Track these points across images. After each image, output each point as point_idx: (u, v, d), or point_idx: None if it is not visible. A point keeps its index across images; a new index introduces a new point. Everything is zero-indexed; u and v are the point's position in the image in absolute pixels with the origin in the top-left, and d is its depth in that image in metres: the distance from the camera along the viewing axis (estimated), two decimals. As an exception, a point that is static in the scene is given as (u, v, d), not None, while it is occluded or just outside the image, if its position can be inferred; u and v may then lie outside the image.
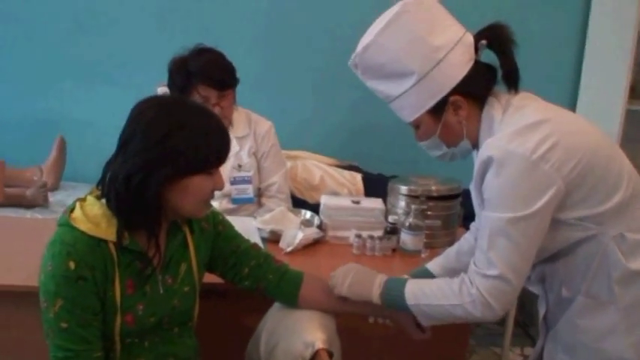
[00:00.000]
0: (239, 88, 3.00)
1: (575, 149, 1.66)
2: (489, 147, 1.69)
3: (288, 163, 3.64)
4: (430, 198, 2.60)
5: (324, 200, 2.69)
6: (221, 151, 1.75)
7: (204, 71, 2.82)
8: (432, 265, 2.13)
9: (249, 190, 2.97)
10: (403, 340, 2.09)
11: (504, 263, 1.66)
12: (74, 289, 1.66)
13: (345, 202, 2.70)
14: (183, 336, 1.92)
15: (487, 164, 1.68)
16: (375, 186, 3.44)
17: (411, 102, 1.81)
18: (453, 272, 1.97)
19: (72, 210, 1.74)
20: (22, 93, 4.02)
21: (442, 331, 2.26)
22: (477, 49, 1.80)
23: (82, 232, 1.68)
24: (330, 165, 3.77)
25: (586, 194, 1.68)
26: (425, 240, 2.53)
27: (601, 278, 1.73)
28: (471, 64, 1.78)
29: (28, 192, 3.34)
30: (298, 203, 3.25)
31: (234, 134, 2.99)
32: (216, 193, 2.76)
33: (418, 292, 1.82)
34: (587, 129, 1.78)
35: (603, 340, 1.75)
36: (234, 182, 2.96)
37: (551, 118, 1.72)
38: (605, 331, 1.75)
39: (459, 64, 1.77)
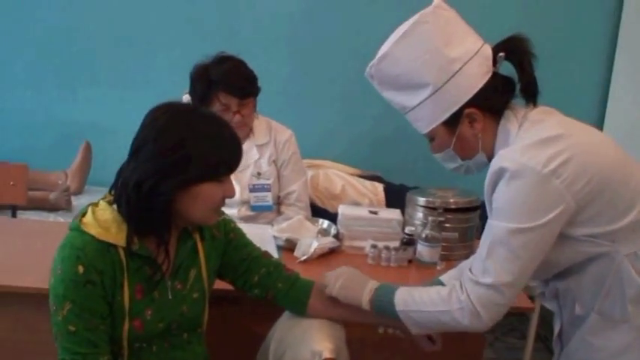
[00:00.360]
0: (265, 96, 3.02)
1: (588, 166, 1.64)
2: (502, 158, 1.68)
3: (310, 172, 3.66)
4: (448, 210, 2.58)
5: (342, 210, 2.69)
6: (232, 160, 1.76)
7: (226, 79, 2.84)
8: (446, 277, 2.10)
9: (268, 198, 2.97)
10: (414, 353, 2.08)
11: (500, 273, 1.65)
12: (82, 293, 1.67)
13: (363, 212, 2.70)
14: (192, 342, 1.92)
15: (499, 175, 1.67)
16: (397, 197, 3.41)
17: (426, 114, 1.80)
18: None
19: (84, 214, 1.76)
20: (50, 99, 4.10)
21: (455, 345, 2.26)
22: (495, 62, 1.78)
23: (92, 237, 1.70)
24: (353, 175, 3.77)
25: (598, 212, 1.66)
26: (442, 252, 2.51)
27: (614, 296, 1.70)
28: (488, 76, 1.77)
29: (52, 195, 3.39)
30: (319, 212, 3.25)
31: (254, 142, 3.00)
32: (236, 200, 2.85)
33: (408, 299, 1.80)
34: (604, 146, 1.75)
35: (617, 359, 1.73)
36: (253, 190, 2.96)
37: (568, 134, 1.70)
38: (619, 350, 1.72)
39: (475, 76, 1.76)
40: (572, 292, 1.80)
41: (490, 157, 1.81)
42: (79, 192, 3.69)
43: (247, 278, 1.97)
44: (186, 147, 1.67)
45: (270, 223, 2.83)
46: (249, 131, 3.00)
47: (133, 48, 4.04)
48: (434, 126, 1.81)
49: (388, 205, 3.40)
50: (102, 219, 1.73)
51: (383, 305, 1.84)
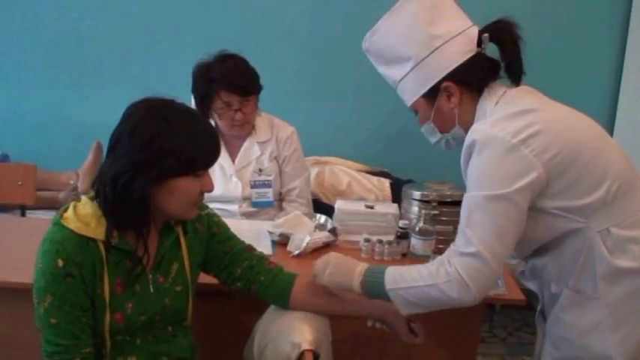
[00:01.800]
0: (275, 93, 3.05)
1: (558, 139, 1.69)
2: (473, 131, 1.75)
3: (316, 169, 3.68)
4: (443, 203, 2.58)
5: (338, 205, 2.70)
6: (208, 155, 1.78)
7: (227, 77, 2.86)
8: None
9: (269, 194, 3.00)
10: (407, 349, 2.09)
11: (481, 241, 1.66)
12: (63, 286, 1.71)
13: (359, 206, 2.70)
14: (177, 335, 1.95)
15: (471, 147, 1.73)
16: (403, 192, 3.43)
17: (409, 86, 1.90)
18: None
19: (65, 209, 1.80)
20: (61, 99, 4.18)
21: (448, 340, 2.27)
22: (479, 42, 1.85)
23: (71, 231, 1.73)
24: (360, 171, 3.78)
25: (567, 185, 1.69)
26: (437, 245, 2.51)
27: (587, 273, 1.73)
28: (470, 55, 1.85)
29: (61, 195, 3.46)
30: (325, 208, 3.26)
31: (256, 139, 3.03)
32: (237, 196, 2.88)
33: (397, 277, 1.81)
34: (576, 122, 1.81)
35: (588, 336, 1.76)
36: (254, 186, 2.99)
37: (540, 109, 1.76)
38: (589, 328, 1.75)
39: (456, 53, 1.84)
40: (548, 269, 1.83)
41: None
42: (89, 192, 3.74)
43: (230, 271, 1.99)
44: (160, 141, 1.70)
45: (272, 219, 2.85)
46: (252, 128, 3.03)
47: (143, 49, 4.10)
48: (415, 98, 1.90)
49: (395, 201, 3.39)
50: (82, 213, 1.77)
51: (373, 286, 1.85)
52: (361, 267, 1.90)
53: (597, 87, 4.13)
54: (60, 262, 1.70)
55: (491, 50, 1.89)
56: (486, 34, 1.84)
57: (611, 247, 1.70)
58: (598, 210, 1.70)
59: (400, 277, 1.80)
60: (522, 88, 1.87)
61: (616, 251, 1.70)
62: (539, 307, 1.96)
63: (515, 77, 1.86)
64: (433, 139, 1.97)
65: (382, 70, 1.97)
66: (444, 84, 1.85)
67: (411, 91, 1.90)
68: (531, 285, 1.95)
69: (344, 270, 1.91)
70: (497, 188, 1.67)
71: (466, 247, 1.69)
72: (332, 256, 1.96)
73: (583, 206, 1.70)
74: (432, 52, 1.84)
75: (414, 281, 1.77)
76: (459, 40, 1.85)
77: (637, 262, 1.70)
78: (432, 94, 1.87)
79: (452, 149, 1.97)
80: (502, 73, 1.89)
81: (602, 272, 1.71)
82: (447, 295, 1.71)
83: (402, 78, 1.90)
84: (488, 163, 1.69)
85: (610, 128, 4.04)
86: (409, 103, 1.93)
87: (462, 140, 1.88)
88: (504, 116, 1.74)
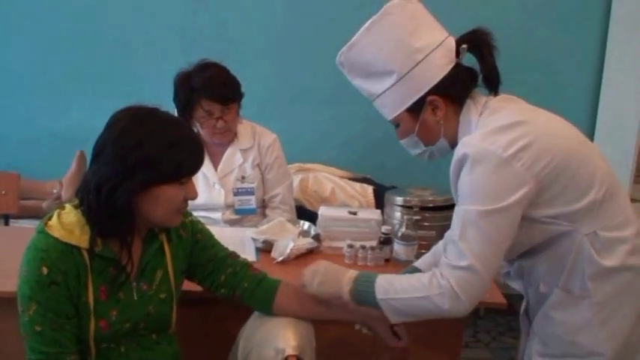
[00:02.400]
0: (255, 100, 3.07)
1: (547, 150, 1.72)
2: (464, 145, 1.75)
3: (300, 175, 3.69)
4: (425, 209, 2.60)
5: (322, 211, 2.72)
6: (192, 163, 1.79)
7: (207, 86, 2.87)
8: (420, 262, 2.18)
9: (252, 202, 3.01)
10: (391, 354, 2.11)
11: (474, 254, 1.69)
12: (47, 294, 1.72)
13: (342, 212, 2.72)
14: (161, 343, 1.95)
15: (462, 161, 1.74)
16: (386, 198, 3.45)
17: (392, 100, 1.88)
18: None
19: (50, 218, 1.80)
20: (44, 109, 4.18)
21: (431, 345, 2.29)
22: (457, 53, 1.86)
23: (56, 239, 1.74)
24: (343, 177, 3.80)
25: (557, 193, 1.73)
26: (420, 250, 2.52)
27: (576, 274, 1.78)
28: (450, 66, 1.85)
29: (44, 204, 3.46)
30: (309, 215, 3.28)
31: (238, 146, 3.04)
32: (220, 204, 2.89)
33: (388, 287, 1.82)
34: (562, 132, 1.83)
35: (577, 334, 1.80)
36: (237, 193, 3.00)
37: (527, 120, 1.77)
38: (579, 325, 1.80)
39: (438, 66, 1.84)
40: (536, 270, 1.87)
41: (452, 144, 1.89)
42: (73, 201, 3.73)
43: (214, 278, 2.01)
44: (144, 149, 1.71)
45: (255, 226, 2.86)
46: (234, 136, 3.04)
47: (125, 57, 4.11)
48: (398, 112, 1.89)
49: (378, 207, 3.42)
50: (66, 222, 1.77)
51: (363, 295, 1.86)
52: (350, 274, 1.91)
53: (577, 92, 4.17)
54: (44, 270, 1.71)
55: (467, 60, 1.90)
56: (464, 46, 1.86)
57: (598, 249, 1.75)
58: (586, 215, 1.75)
59: (391, 287, 1.82)
60: (503, 98, 1.89)
61: (603, 252, 1.75)
62: (523, 307, 2.00)
63: (494, 86, 1.88)
64: (415, 151, 1.98)
65: (358, 82, 1.95)
66: (430, 97, 1.84)
67: (394, 105, 1.89)
68: (516, 285, 1.99)
69: (333, 279, 1.92)
70: (490, 203, 1.69)
71: (459, 261, 1.71)
72: (320, 265, 1.97)
73: (571, 212, 1.74)
74: (416, 66, 1.83)
75: (404, 292, 1.79)
76: (439, 52, 1.84)
77: (622, 261, 1.75)
78: (417, 108, 1.87)
79: (434, 160, 2.00)
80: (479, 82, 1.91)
81: (590, 273, 1.76)
82: (439, 306, 1.73)
83: (383, 92, 1.89)
84: (480, 178, 1.71)
85: (590, 133, 4.08)
86: (390, 116, 1.92)
87: (446, 152, 1.93)
88: (494, 129, 1.75)
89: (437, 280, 1.73)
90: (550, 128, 1.81)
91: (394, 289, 1.81)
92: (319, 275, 1.94)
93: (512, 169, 1.69)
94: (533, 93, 2.01)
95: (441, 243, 2.16)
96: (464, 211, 1.74)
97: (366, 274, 1.91)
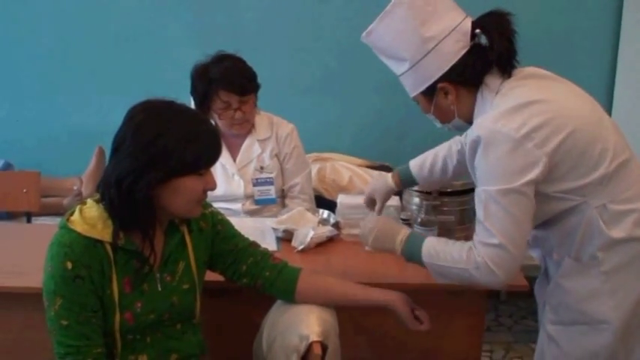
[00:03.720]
0: (271, 91, 3.08)
1: (559, 128, 1.76)
2: (478, 127, 1.81)
3: (317, 165, 3.70)
4: (443, 194, 2.60)
5: (340, 199, 2.72)
6: (210, 154, 1.81)
7: (225, 77, 2.89)
8: (414, 165, 2.39)
9: (272, 192, 3.02)
10: (413, 338, 2.12)
11: (500, 232, 1.76)
12: (72, 288, 1.74)
13: (361, 200, 2.71)
14: (186, 332, 1.98)
15: (477, 143, 1.80)
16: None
17: (408, 83, 1.97)
18: (424, 179, 2.36)
19: (72, 213, 1.83)
20: (61, 106, 4.21)
21: (453, 329, 2.29)
22: (472, 37, 1.88)
23: (79, 234, 1.77)
24: (361, 166, 3.80)
25: (569, 169, 1.78)
26: (440, 236, 2.52)
27: (586, 245, 1.84)
28: (464, 51, 1.88)
29: (65, 201, 3.49)
30: (327, 204, 3.27)
31: (256, 137, 3.06)
32: (240, 194, 2.91)
33: (433, 253, 1.91)
34: (575, 107, 1.86)
35: (585, 302, 1.86)
36: (256, 184, 3.02)
37: (539, 99, 1.81)
38: (587, 294, 1.86)
39: (449, 53, 1.88)
40: (549, 241, 1.95)
41: (469, 122, 1.95)
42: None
43: (236, 268, 2.02)
44: (162, 142, 1.73)
45: (275, 216, 2.87)
46: (251, 127, 3.05)
47: (139, 52, 4.13)
48: (415, 94, 1.98)
49: (396, 194, 3.41)
50: (88, 216, 1.80)
51: (412, 255, 1.97)
52: (402, 235, 1.99)
53: (594, 66, 4.14)
54: (69, 265, 1.73)
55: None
56: (478, 30, 1.88)
57: (607, 220, 1.80)
58: (595, 189, 1.80)
59: (435, 254, 1.91)
60: (521, 76, 1.91)
61: (612, 223, 1.80)
62: (540, 274, 2.07)
63: (505, 69, 1.90)
64: (438, 125, 2.06)
65: (384, 60, 2.02)
66: (440, 85, 1.90)
67: (410, 88, 1.98)
68: (534, 252, 2.06)
69: (388, 236, 2.02)
70: (508, 182, 1.75)
71: (488, 239, 1.78)
72: (378, 222, 2.08)
73: (581, 187, 1.80)
74: (426, 55, 1.88)
75: (446, 261, 1.88)
76: (452, 38, 1.88)
77: (629, 232, 1.81)
78: (430, 93, 1.94)
79: (456, 131, 2.08)
80: None
81: (599, 243, 1.81)
82: (477, 279, 1.82)
83: (402, 74, 1.96)
84: (496, 160, 1.76)
85: (608, 106, 4.05)
86: (411, 96, 2.01)
87: (463, 128, 2.00)
88: (506, 110, 1.79)
89: (474, 256, 1.81)
90: (563, 105, 1.83)
91: (438, 256, 1.90)
92: (375, 232, 2.04)
93: (525, 149, 1.74)
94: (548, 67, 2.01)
95: (431, 157, 2.36)
96: (484, 192, 1.79)
97: (415, 237, 1.99)
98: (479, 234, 1.82)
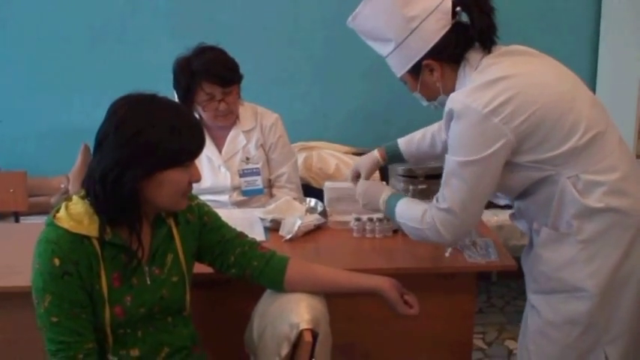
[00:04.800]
0: (254, 82, 3.09)
1: (527, 104, 1.82)
2: (452, 100, 1.89)
3: (304, 154, 3.71)
4: (430, 177, 2.61)
5: (327, 186, 2.73)
6: (194, 146, 1.81)
7: (208, 69, 2.88)
8: (402, 141, 2.48)
9: (259, 182, 3.03)
10: (404, 323, 2.13)
11: (453, 199, 1.89)
12: (61, 285, 1.74)
13: (348, 187, 2.72)
14: (177, 325, 1.98)
15: (450, 115, 1.89)
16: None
17: (394, 63, 2.05)
18: (412, 155, 2.45)
19: (58, 210, 1.82)
20: (45, 105, 4.20)
21: (444, 312, 2.31)
22: (454, 15, 1.94)
23: (65, 230, 1.76)
24: (347, 153, 3.81)
25: (539, 141, 1.84)
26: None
27: (562, 214, 1.89)
28: (446, 29, 1.95)
29: (53, 199, 3.49)
30: (315, 192, 3.28)
31: (240, 128, 3.05)
32: (227, 186, 2.91)
33: (400, 211, 2.09)
34: (548, 83, 1.90)
35: (562, 270, 1.92)
36: (243, 175, 3.02)
37: (511, 75, 1.87)
38: (564, 262, 1.91)
39: (432, 31, 1.95)
40: (529, 210, 2.01)
41: None
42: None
43: (224, 259, 2.03)
44: (145, 136, 1.73)
45: (263, 206, 2.87)
46: (236, 118, 3.05)
47: (123, 50, 4.12)
48: (401, 73, 2.05)
49: (383, 179, 3.43)
50: (74, 212, 1.80)
51: (391, 215, 2.16)
52: (384, 195, 2.19)
53: (577, 42, 4.19)
54: (56, 261, 1.73)
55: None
56: (458, 8, 1.94)
57: (581, 190, 1.85)
58: (567, 160, 1.85)
59: (402, 213, 2.08)
60: (500, 52, 1.97)
61: (585, 193, 1.85)
62: (527, 245, 2.11)
63: (485, 44, 1.96)
64: (424, 103, 2.12)
65: (370, 44, 2.08)
66: (425, 62, 1.97)
67: (397, 68, 2.04)
68: (520, 224, 2.12)
69: (373, 197, 2.24)
70: (470, 155, 1.84)
71: (441, 204, 1.92)
72: (365, 185, 2.34)
73: (552, 157, 1.85)
74: (410, 34, 1.95)
75: (409, 220, 2.04)
76: (434, 17, 1.94)
77: (604, 203, 1.84)
78: (415, 71, 2.00)
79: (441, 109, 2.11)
80: None
81: (574, 212, 1.86)
82: (429, 237, 1.98)
83: (387, 55, 2.03)
84: (462, 132, 1.86)
85: (592, 84, 4.08)
86: (397, 76, 2.07)
87: None
88: (479, 85, 1.86)
89: (427, 217, 1.95)
90: (534, 81, 1.88)
91: (403, 215, 2.08)
92: (363, 195, 2.30)
93: (491, 123, 1.81)
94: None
95: (418, 135, 2.44)
96: (449, 161, 1.90)
97: (392, 198, 2.16)
98: (437, 198, 1.94)
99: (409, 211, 2.06)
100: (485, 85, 1.85)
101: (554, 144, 1.84)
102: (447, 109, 1.89)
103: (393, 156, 2.48)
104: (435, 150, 2.39)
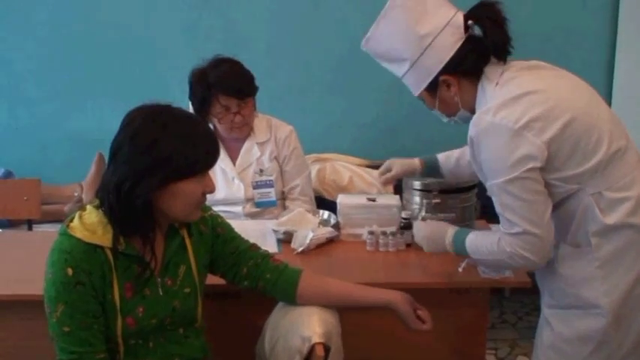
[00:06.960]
0: (268, 93, 3.10)
1: (556, 118, 1.82)
2: (476, 121, 1.89)
3: (317, 166, 3.70)
4: (444, 192, 2.59)
5: (341, 199, 2.72)
6: (208, 157, 1.81)
7: (224, 81, 2.89)
8: (441, 156, 2.48)
9: (272, 194, 3.03)
10: (417, 338, 2.11)
11: (520, 219, 1.84)
12: (73, 294, 1.74)
13: (361, 200, 2.72)
14: (189, 337, 1.98)
15: (477, 138, 1.88)
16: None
17: (411, 82, 2.05)
18: (449, 171, 2.44)
19: (71, 220, 1.83)
20: (59, 113, 4.22)
21: (457, 327, 2.29)
22: (466, 29, 1.95)
23: (79, 240, 1.76)
24: (361, 166, 3.80)
25: (566, 157, 1.84)
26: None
27: (581, 231, 1.90)
28: (460, 43, 1.95)
29: (66, 208, 3.49)
30: (328, 204, 3.27)
31: (255, 140, 3.06)
32: (240, 197, 2.91)
33: (474, 248, 2.02)
34: (573, 97, 1.90)
35: (579, 287, 1.92)
36: (256, 187, 3.02)
37: (537, 90, 1.87)
38: (581, 279, 1.91)
39: (446, 47, 1.95)
40: None
41: (473, 112, 1.99)
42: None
43: (237, 271, 2.02)
44: (160, 147, 1.73)
45: (276, 218, 2.87)
46: (250, 130, 3.06)
47: (137, 57, 4.13)
48: (418, 92, 2.06)
49: (396, 193, 3.41)
50: (88, 222, 1.80)
51: (462, 253, 2.09)
52: (448, 239, 2.10)
53: (593, 55, 4.16)
54: (69, 271, 1.73)
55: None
56: (470, 22, 1.95)
57: (603, 208, 1.85)
58: (591, 176, 1.85)
59: (477, 249, 2.01)
60: (521, 65, 1.97)
61: (607, 210, 1.85)
62: None
63: (500, 57, 1.96)
64: (444, 120, 2.12)
65: (385, 66, 2.09)
66: (441, 78, 1.97)
67: (414, 86, 2.05)
68: None
69: (437, 239, 2.15)
70: (511, 172, 1.82)
71: (511, 229, 1.87)
72: (427, 228, 2.22)
73: (577, 175, 1.85)
74: (424, 51, 1.96)
75: (486, 255, 1.98)
76: (447, 32, 1.95)
77: (623, 219, 1.85)
78: (433, 88, 2.01)
79: (461, 124, 2.11)
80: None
81: (594, 230, 1.87)
82: (515, 265, 1.94)
83: (403, 75, 2.04)
84: (496, 151, 1.84)
85: (608, 99, 4.06)
86: (415, 94, 2.07)
87: (468, 119, 2.01)
88: (505, 101, 1.85)
89: (503, 247, 1.90)
90: (560, 95, 1.88)
91: (479, 251, 2.00)
92: (427, 239, 2.19)
93: (524, 138, 1.80)
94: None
95: (457, 152, 2.43)
96: (494, 186, 1.87)
97: (459, 236, 2.08)
98: (502, 225, 1.90)
99: (483, 244, 1.99)
100: (512, 100, 1.84)
101: (579, 160, 1.84)
102: (471, 132, 1.89)
103: (431, 168, 2.48)
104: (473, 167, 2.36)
